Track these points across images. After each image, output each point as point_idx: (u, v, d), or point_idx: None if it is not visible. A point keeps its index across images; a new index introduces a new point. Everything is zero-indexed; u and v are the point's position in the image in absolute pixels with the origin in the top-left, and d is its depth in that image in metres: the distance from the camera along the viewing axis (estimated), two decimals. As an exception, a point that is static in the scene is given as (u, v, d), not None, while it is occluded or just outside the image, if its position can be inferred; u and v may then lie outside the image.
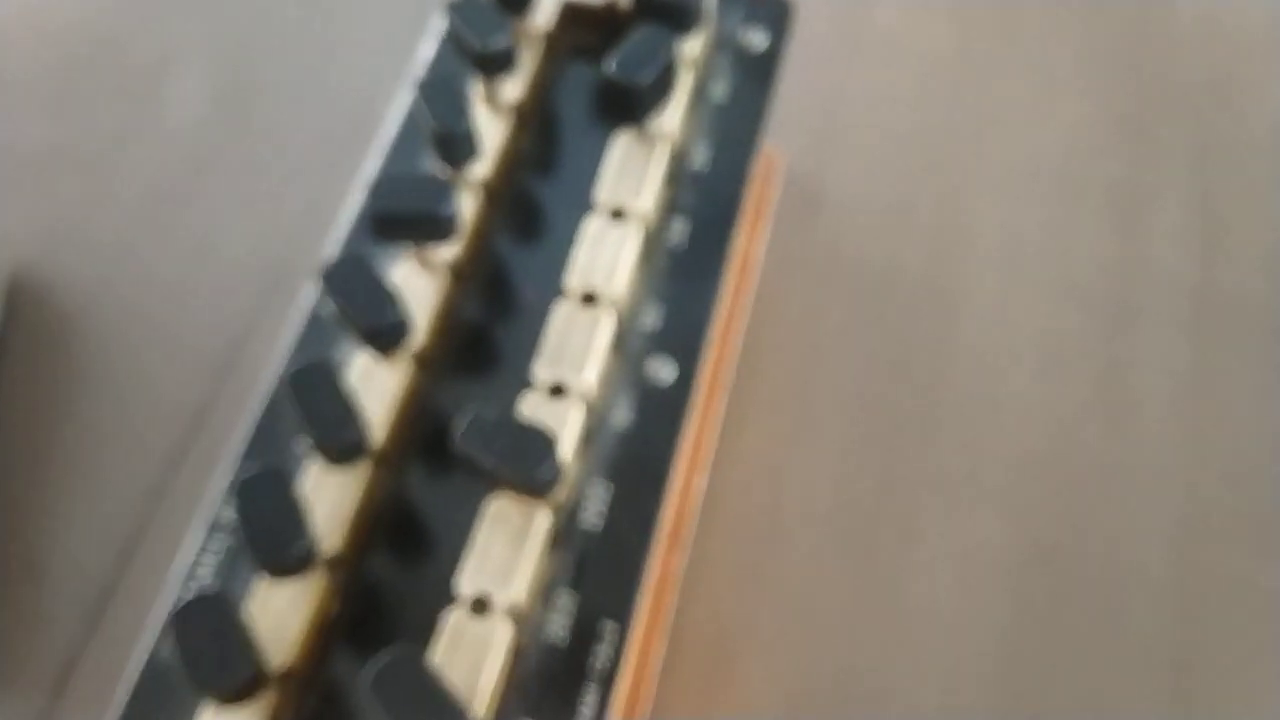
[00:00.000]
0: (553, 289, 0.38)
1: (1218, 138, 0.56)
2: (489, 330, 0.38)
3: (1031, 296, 0.51)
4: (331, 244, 0.39)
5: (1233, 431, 0.48)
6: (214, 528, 0.34)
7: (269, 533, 0.31)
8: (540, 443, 0.32)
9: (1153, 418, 0.48)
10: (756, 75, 0.43)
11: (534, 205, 0.40)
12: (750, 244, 0.51)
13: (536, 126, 0.42)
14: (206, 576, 0.34)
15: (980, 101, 0.57)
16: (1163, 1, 0.60)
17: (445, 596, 0.32)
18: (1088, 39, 0.59)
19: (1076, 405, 0.49)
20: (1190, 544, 0.46)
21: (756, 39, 0.44)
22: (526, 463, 0.31)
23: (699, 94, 0.42)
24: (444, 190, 0.35)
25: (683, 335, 0.37)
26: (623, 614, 0.33)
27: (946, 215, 0.54)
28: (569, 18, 0.44)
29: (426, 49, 0.44)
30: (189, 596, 0.31)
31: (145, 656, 0.33)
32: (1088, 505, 0.47)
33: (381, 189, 0.35)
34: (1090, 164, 0.55)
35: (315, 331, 0.38)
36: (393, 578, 0.34)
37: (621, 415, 0.36)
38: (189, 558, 0.34)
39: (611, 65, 0.37)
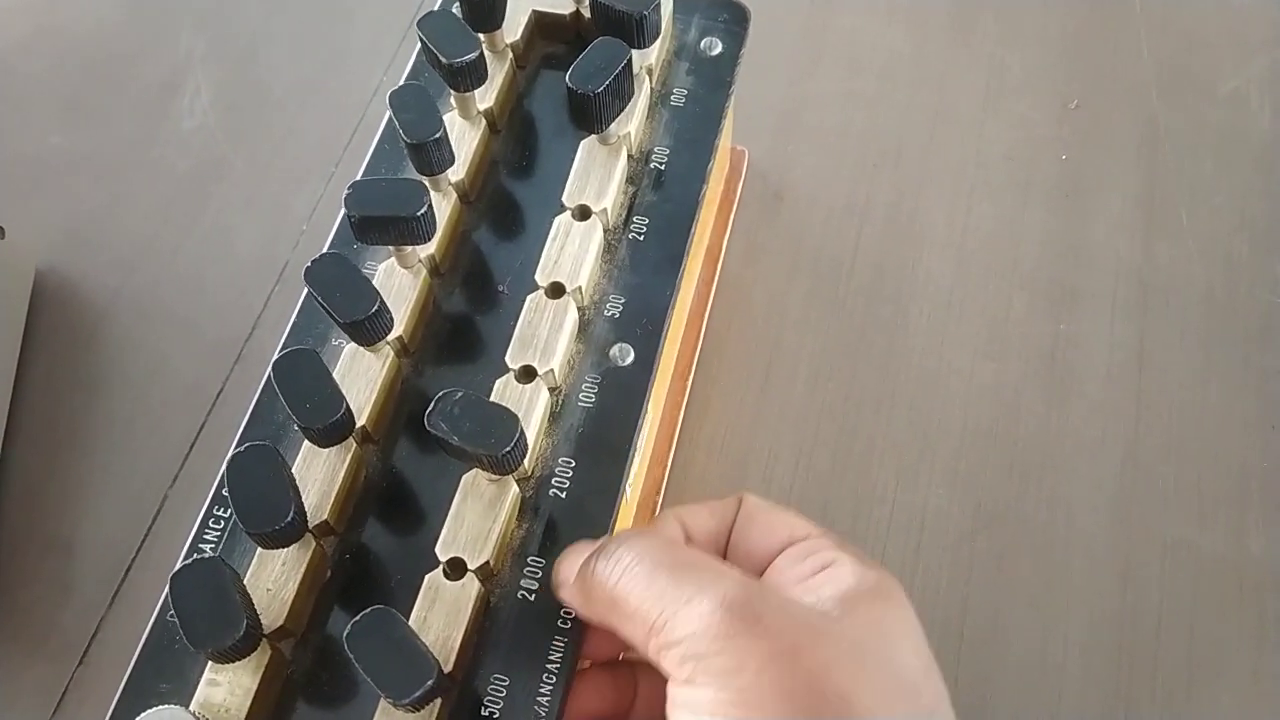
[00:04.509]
0: (524, 283, 0.40)
1: (1164, 130, 0.57)
2: (467, 321, 0.40)
3: (980, 281, 0.53)
4: (324, 243, 0.41)
5: (1171, 405, 0.50)
6: (216, 501, 0.37)
7: (257, 506, 0.33)
8: (504, 422, 0.33)
9: (1094, 392, 0.50)
10: (714, 78, 0.44)
11: (507, 206, 0.42)
12: (718, 235, 0.53)
13: (509, 132, 0.44)
14: (210, 546, 0.36)
15: (934, 99, 0.59)
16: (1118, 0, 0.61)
17: (427, 562, 0.35)
18: (1040, 36, 0.60)
19: (1021, 382, 0.50)
20: (1130, 511, 0.47)
21: (713, 44, 0.45)
22: (490, 440, 0.33)
23: (659, 99, 0.44)
24: (416, 195, 0.37)
25: (642, 322, 0.39)
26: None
27: (901, 206, 0.55)
28: (538, 29, 0.46)
29: (407, 62, 0.45)
30: (187, 562, 0.32)
31: (152, 620, 0.35)
32: (1032, 475, 0.48)
33: (358, 194, 0.37)
34: (1038, 155, 0.57)
35: (309, 323, 0.40)
36: (381, 546, 0.37)
37: (586, 396, 0.38)
38: (194, 530, 0.36)
39: (568, 77, 0.39)
